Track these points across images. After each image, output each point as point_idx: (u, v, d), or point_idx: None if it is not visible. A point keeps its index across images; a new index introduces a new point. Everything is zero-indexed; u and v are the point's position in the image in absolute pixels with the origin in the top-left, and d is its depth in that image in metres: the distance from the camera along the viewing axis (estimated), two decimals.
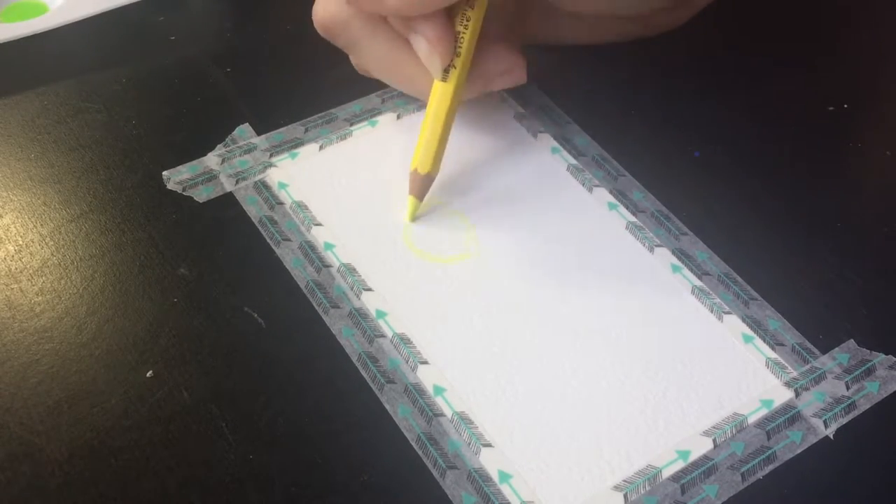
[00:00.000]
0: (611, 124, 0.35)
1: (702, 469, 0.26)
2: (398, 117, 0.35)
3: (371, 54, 0.31)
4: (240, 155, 0.33)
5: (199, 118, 0.35)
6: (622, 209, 0.32)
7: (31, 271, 0.30)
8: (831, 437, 0.26)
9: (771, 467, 0.26)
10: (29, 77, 0.36)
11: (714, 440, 0.26)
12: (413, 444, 0.26)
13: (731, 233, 0.31)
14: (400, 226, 0.31)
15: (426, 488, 0.25)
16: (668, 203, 0.32)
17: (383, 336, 0.28)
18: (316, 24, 0.32)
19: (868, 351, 0.28)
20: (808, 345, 0.28)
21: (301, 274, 0.30)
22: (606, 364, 0.28)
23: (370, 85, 0.35)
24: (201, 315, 0.29)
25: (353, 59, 0.33)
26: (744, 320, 0.29)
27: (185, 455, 0.25)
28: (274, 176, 0.33)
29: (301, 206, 0.32)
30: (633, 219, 0.32)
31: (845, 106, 0.36)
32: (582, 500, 0.25)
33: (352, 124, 0.35)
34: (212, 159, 0.33)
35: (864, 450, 0.26)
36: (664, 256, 0.31)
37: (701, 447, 0.26)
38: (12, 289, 0.29)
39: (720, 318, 0.29)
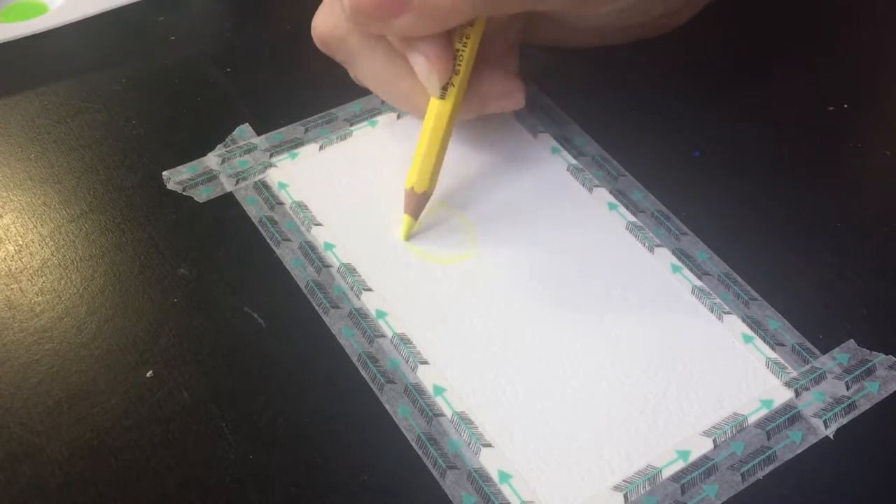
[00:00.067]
0: (611, 124, 0.35)
1: (702, 469, 0.26)
2: (398, 117, 0.35)
3: (368, 70, 0.31)
4: (240, 155, 0.33)
5: (199, 118, 0.35)
6: (622, 209, 0.32)
7: (31, 271, 0.30)
8: (831, 437, 0.26)
9: (771, 467, 0.26)
10: (29, 77, 0.36)
11: (714, 440, 0.26)
12: (413, 444, 0.26)
13: (731, 233, 0.31)
14: (400, 226, 0.31)
15: (426, 488, 0.25)
16: (668, 203, 0.32)
17: (383, 336, 0.28)
18: (315, 38, 0.31)
19: (868, 351, 0.28)
20: (808, 345, 0.28)
21: (301, 274, 0.30)
22: (606, 364, 0.28)
23: None
24: (201, 315, 0.29)
25: (350, 73, 0.33)
26: (744, 320, 0.29)
27: (185, 455, 0.25)
28: (274, 176, 0.33)
29: (301, 206, 0.32)
30: (633, 219, 0.32)
31: (845, 106, 0.36)
32: (582, 500, 0.25)
33: (352, 124, 0.35)
34: (212, 159, 0.33)
35: (864, 450, 0.26)
36: (664, 256, 0.31)
37: (701, 447, 0.26)
38: (12, 289, 0.29)
39: (720, 318, 0.29)
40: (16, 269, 0.30)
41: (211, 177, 0.32)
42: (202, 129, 0.34)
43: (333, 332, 0.28)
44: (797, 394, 0.27)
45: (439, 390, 0.27)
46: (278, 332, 0.28)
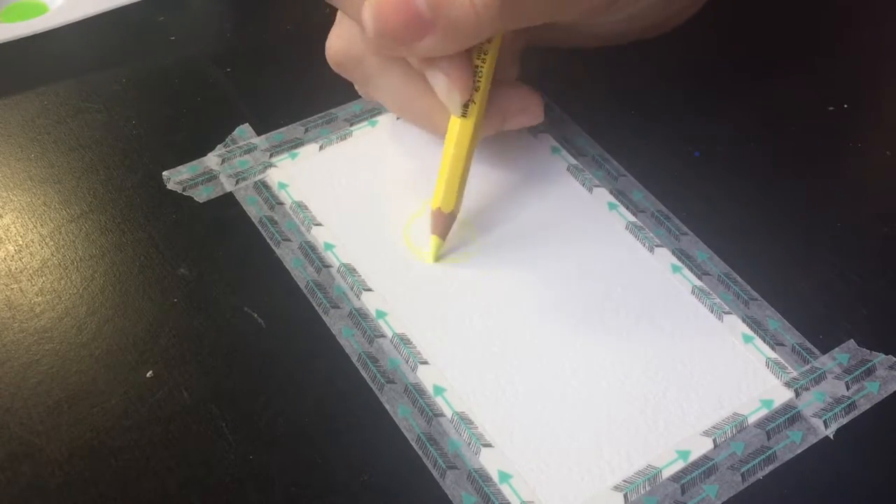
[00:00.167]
0: (611, 124, 0.35)
1: (702, 469, 0.26)
2: (398, 117, 0.35)
3: (386, 90, 0.31)
4: (240, 155, 0.33)
5: (199, 118, 0.35)
6: (622, 209, 0.32)
7: (31, 271, 0.30)
8: (831, 437, 0.26)
9: (771, 467, 0.26)
10: (29, 77, 0.36)
11: (714, 440, 0.26)
12: (413, 444, 0.26)
13: (731, 233, 0.31)
14: (400, 226, 0.31)
15: (426, 488, 0.25)
16: (668, 203, 0.32)
17: (383, 336, 0.28)
18: (329, 59, 0.31)
19: (868, 351, 0.28)
20: (808, 345, 0.28)
21: (301, 274, 0.30)
22: (606, 364, 0.28)
23: None
24: (201, 315, 0.29)
25: (360, 89, 0.33)
26: (744, 320, 0.29)
27: (185, 455, 0.25)
28: (274, 176, 0.33)
29: (301, 207, 0.32)
30: (633, 219, 0.32)
31: (845, 106, 0.36)
32: (582, 500, 0.25)
33: (352, 124, 0.35)
34: (212, 159, 0.33)
35: (864, 450, 0.26)
36: (664, 256, 0.31)
37: (701, 447, 0.26)
38: (12, 289, 0.29)
39: (720, 318, 0.29)
40: (16, 269, 0.30)
41: (211, 177, 0.32)
42: (202, 129, 0.34)
43: (333, 332, 0.28)
44: (797, 394, 0.27)
45: (439, 390, 0.27)
46: (278, 332, 0.28)
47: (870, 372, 0.28)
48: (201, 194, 0.32)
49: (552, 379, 0.27)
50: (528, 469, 0.25)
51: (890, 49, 0.40)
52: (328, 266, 0.30)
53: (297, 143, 0.34)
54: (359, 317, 0.29)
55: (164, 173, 0.33)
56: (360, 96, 0.35)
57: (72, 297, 0.29)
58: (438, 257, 0.30)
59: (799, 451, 0.26)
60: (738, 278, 0.30)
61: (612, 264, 0.30)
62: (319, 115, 0.35)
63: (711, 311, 0.29)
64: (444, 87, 0.28)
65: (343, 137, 0.34)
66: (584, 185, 0.33)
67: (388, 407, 0.27)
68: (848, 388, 0.27)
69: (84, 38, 0.38)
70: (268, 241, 0.31)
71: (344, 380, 0.27)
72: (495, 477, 0.25)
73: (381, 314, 0.29)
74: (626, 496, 0.25)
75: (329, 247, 0.30)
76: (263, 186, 0.32)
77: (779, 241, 0.31)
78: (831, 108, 0.36)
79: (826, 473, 0.26)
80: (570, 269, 0.30)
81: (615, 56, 0.36)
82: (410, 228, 0.31)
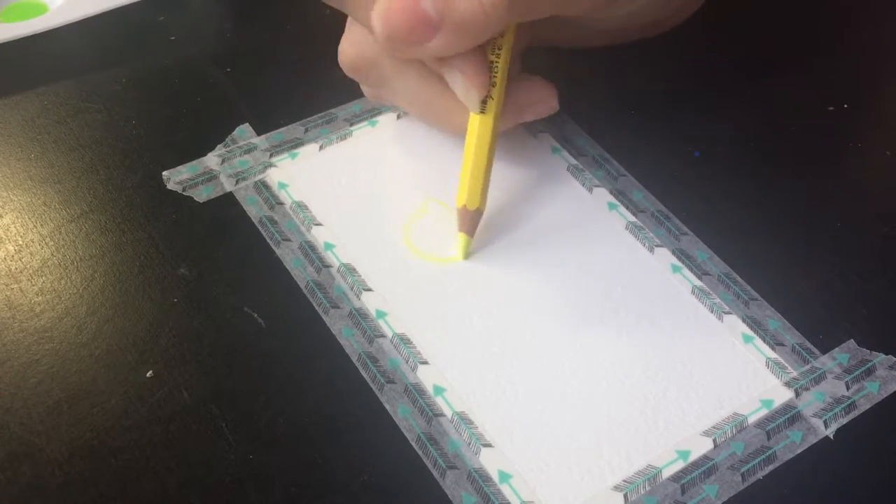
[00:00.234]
0: (611, 124, 0.35)
1: (702, 469, 0.26)
2: (398, 117, 0.35)
3: (403, 92, 0.31)
4: (240, 155, 0.33)
5: (199, 118, 0.35)
6: (622, 209, 0.32)
7: (31, 271, 0.30)
8: (831, 437, 0.26)
9: (771, 467, 0.26)
10: (29, 77, 0.36)
11: (714, 440, 0.26)
12: (413, 444, 0.26)
13: (731, 233, 0.31)
14: (400, 226, 0.31)
15: (426, 488, 0.25)
16: (668, 203, 0.32)
17: (383, 336, 0.28)
18: (342, 64, 0.31)
19: (868, 351, 0.28)
20: (808, 345, 0.28)
21: (301, 274, 0.30)
22: (606, 364, 0.28)
23: None
24: (201, 315, 0.29)
25: (374, 93, 0.33)
26: (744, 320, 0.29)
27: (185, 455, 0.25)
28: (274, 176, 0.33)
29: (301, 206, 0.32)
30: (633, 219, 0.32)
31: (845, 106, 0.36)
32: (582, 500, 0.25)
33: (352, 124, 0.35)
34: (212, 159, 0.33)
35: (864, 450, 0.26)
36: (664, 256, 0.31)
37: (701, 447, 0.26)
38: (12, 289, 0.29)
39: (720, 318, 0.29)
40: (16, 269, 0.30)
41: (211, 177, 0.32)
42: (202, 129, 0.34)
43: (333, 332, 0.28)
44: (797, 394, 0.27)
45: (439, 390, 0.27)
46: (278, 332, 0.28)
47: (870, 372, 0.28)
48: (201, 194, 0.32)
49: (552, 379, 0.27)
50: (528, 469, 0.25)
51: (890, 49, 0.40)
52: (328, 266, 0.30)
53: (297, 143, 0.34)
54: (359, 317, 0.29)
55: (164, 173, 0.33)
56: (359, 96, 0.35)
57: (72, 297, 0.29)
58: (467, 255, 0.30)
59: (799, 451, 0.26)
60: (738, 278, 0.30)
61: (612, 264, 0.30)
62: (319, 115, 0.35)
63: (711, 311, 0.29)
64: (462, 85, 0.28)
65: (343, 137, 0.34)
66: (584, 185, 0.33)
67: (388, 407, 0.27)
68: (848, 388, 0.27)
69: (84, 38, 0.38)
70: (268, 241, 0.31)
71: (344, 380, 0.27)
72: (495, 477, 0.25)
73: (381, 314, 0.29)
74: (626, 496, 0.25)
75: (329, 247, 0.30)
76: (263, 186, 0.32)
77: (779, 241, 0.31)
78: (831, 108, 0.36)
79: (826, 473, 0.26)
80: (571, 269, 0.30)
81: (615, 56, 0.36)
82: (410, 228, 0.31)
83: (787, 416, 0.27)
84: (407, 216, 0.31)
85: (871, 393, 0.27)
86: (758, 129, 0.35)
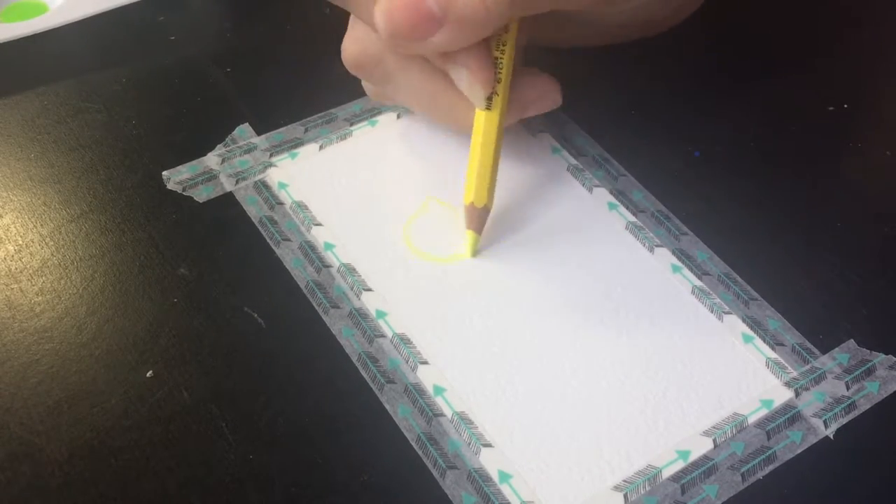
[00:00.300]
0: (611, 124, 0.35)
1: (702, 469, 0.26)
2: (398, 117, 0.35)
3: (407, 88, 0.31)
4: (240, 155, 0.33)
5: (199, 118, 0.35)
6: (622, 209, 0.32)
7: (31, 271, 0.30)
8: (831, 437, 0.26)
9: (771, 467, 0.26)
10: (29, 77, 0.36)
11: (714, 440, 0.26)
12: (413, 444, 0.26)
13: (731, 233, 0.31)
14: (400, 226, 0.31)
15: (426, 488, 0.25)
16: (668, 203, 0.32)
17: (383, 336, 0.28)
18: (346, 62, 0.31)
19: (868, 351, 0.28)
20: (808, 345, 0.28)
21: (301, 274, 0.30)
22: (606, 364, 0.28)
23: None
24: (201, 315, 0.29)
25: (378, 91, 0.32)
26: (744, 320, 0.29)
27: (185, 455, 0.25)
28: (274, 176, 0.33)
29: (301, 206, 0.32)
30: (633, 219, 0.32)
31: (845, 106, 0.36)
32: (582, 500, 0.25)
33: (352, 124, 0.35)
34: (212, 159, 0.33)
35: (864, 450, 0.26)
36: (664, 256, 0.31)
37: (701, 447, 0.26)
38: (12, 289, 0.29)
39: (720, 318, 0.29)
40: (16, 269, 0.30)
41: (211, 177, 0.32)
42: (202, 129, 0.34)
43: (333, 332, 0.28)
44: (797, 394, 0.27)
45: (439, 390, 0.27)
46: (278, 332, 0.28)
47: (870, 372, 0.28)
48: (201, 194, 0.32)
49: (552, 379, 0.27)
50: (528, 469, 0.25)
51: (890, 49, 0.40)
52: (328, 266, 0.30)
53: (297, 143, 0.34)
54: (359, 317, 0.29)
55: (164, 173, 0.33)
56: (359, 96, 0.35)
57: (72, 297, 0.29)
58: (475, 252, 0.30)
59: (799, 451, 0.26)
60: (738, 278, 0.30)
61: (612, 264, 0.30)
62: (319, 114, 0.35)
63: (711, 311, 0.29)
64: (467, 81, 0.28)
65: (343, 137, 0.34)
66: (584, 185, 0.33)
67: (388, 407, 0.27)
68: (848, 388, 0.27)
69: (84, 38, 0.38)
70: (268, 241, 0.31)
71: (344, 380, 0.27)
72: (495, 477, 0.25)
73: (381, 314, 0.29)
74: (626, 496, 0.25)
75: (329, 247, 0.30)
76: (263, 186, 0.32)
77: (779, 241, 0.31)
78: (831, 108, 0.36)
79: (826, 473, 0.26)
80: (571, 269, 0.30)
81: (615, 56, 0.36)
82: (410, 228, 0.31)
83: (787, 416, 0.27)
84: (407, 216, 0.31)
85: (871, 393, 0.27)
86: (758, 129, 0.35)
